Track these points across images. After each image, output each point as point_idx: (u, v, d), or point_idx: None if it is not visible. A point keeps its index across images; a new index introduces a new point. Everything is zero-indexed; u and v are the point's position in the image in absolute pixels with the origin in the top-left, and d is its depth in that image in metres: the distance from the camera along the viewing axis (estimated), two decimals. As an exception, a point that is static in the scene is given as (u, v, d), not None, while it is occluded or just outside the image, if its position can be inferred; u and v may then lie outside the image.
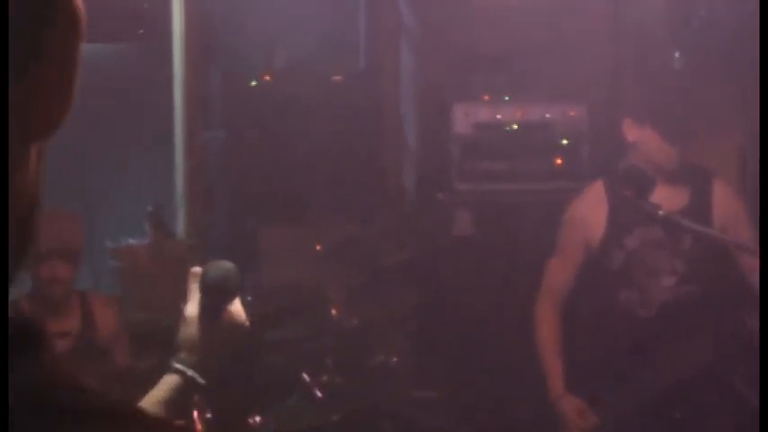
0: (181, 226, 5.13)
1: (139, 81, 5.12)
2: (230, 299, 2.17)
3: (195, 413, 3.40)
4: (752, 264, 3.98)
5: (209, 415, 3.79)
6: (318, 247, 4.96)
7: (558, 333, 4.20)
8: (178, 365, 2.12)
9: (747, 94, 4.80)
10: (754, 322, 3.84)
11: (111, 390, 1.13)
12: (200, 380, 2.11)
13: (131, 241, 4.66)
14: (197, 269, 2.14)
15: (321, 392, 4.35)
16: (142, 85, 5.13)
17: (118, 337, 4.26)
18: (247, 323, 2.18)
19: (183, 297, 2.23)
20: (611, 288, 4.16)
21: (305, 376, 4.38)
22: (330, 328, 4.52)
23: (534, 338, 4.24)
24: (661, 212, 3.78)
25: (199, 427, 3.38)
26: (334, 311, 4.54)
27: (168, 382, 2.10)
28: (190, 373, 2.10)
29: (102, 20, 4.22)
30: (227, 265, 2.17)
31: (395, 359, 4.57)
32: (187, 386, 2.10)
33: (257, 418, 4.30)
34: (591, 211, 4.20)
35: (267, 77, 5.26)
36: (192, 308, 2.16)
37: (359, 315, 4.55)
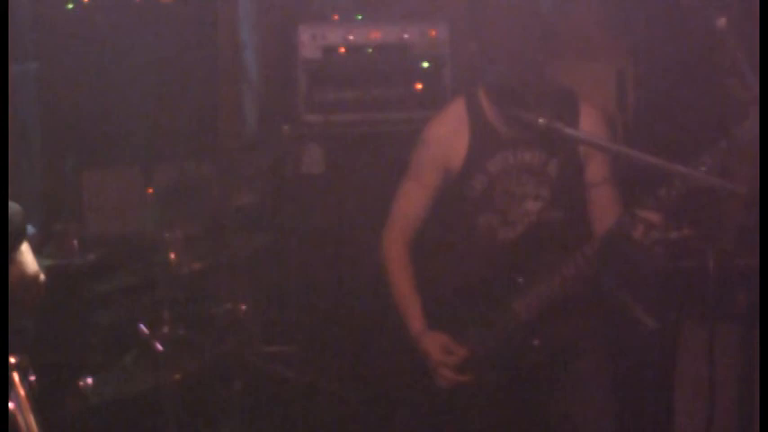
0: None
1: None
2: (15, 244, 2.04)
3: (16, 375, 3.22)
4: (596, 198, 4.07)
5: (32, 377, 3.61)
6: (150, 190, 4.80)
7: (411, 264, 4.18)
8: None
9: (628, 16, 4.85)
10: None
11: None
12: None
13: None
14: None
15: (162, 346, 4.20)
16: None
17: None
18: (42, 275, 2.02)
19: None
20: (471, 213, 4.16)
21: (143, 328, 4.22)
22: (168, 276, 4.36)
23: (386, 272, 4.20)
24: (541, 120, 3.73)
25: (22, 391, 3.20)
26: (172, 257, 4.36)
27: None
28: None
29: None
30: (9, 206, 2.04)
31: (243, 307, 4.45)
32: None
33: (89, 380, 4.15)
34: (450, 131, 4.15)
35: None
36: None
37: (200, 260, 4.39)
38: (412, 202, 4.18)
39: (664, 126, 4.58)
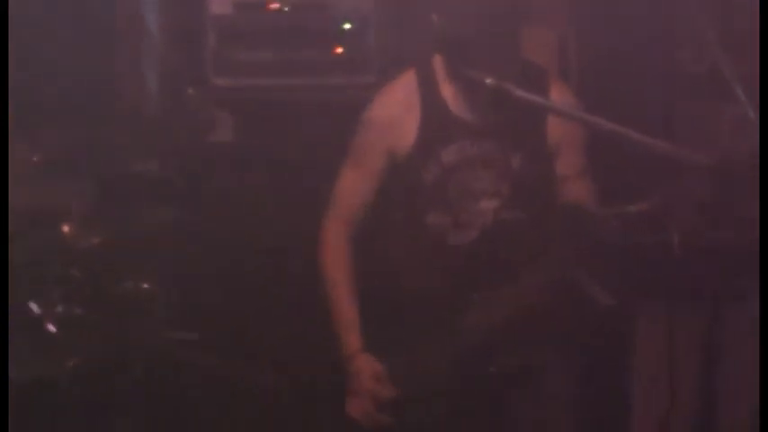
0: None
1: None
2: None
3: None
4: (570, 193, 3.93)
5: None
6: (35, 158, 4.56)
7: (352, 265, 3.99)
8: None
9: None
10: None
11: None
12: None
13: None
14: None
15: (55, 328, 4.01)
16: None
17: None
18: None
19: None
20: (419, 209, 3.95)
21: (33, 307, 3.99)
22: (62, 251, 4.17)
23: (322, 271, 4.00)
24: (489, 81, 3.56)
25: None
26: (66, 230, 4.15)
27: None
28: None
29: None
30: None
31: (146, 285, 4.26)
32: None
33: (-30, 366, 3.91)
34: (399, 111, 3.93)
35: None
36: None
37: (98, 234, 4.20)
38: (354, 189, 3.98)
39: (609, 97, 4.49)
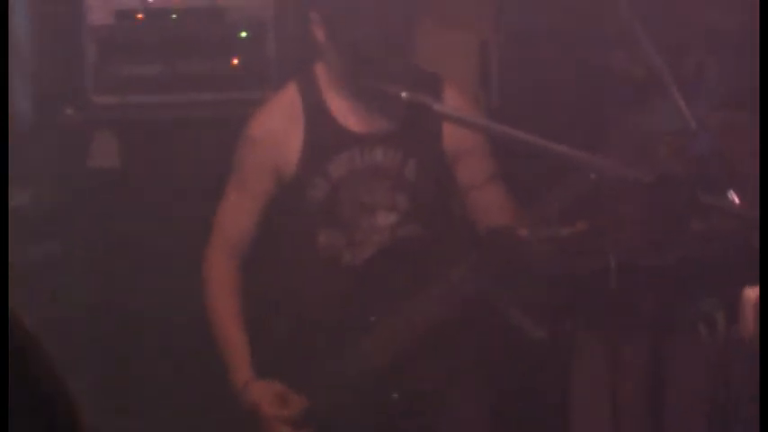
0: None
1: None
2: None
3: None
4: (480, 201, 3.88)
5: None
6: None
7: (238, 292, 3.90)
8: None
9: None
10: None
11: None
12: None
13: None
14: None
15: None
16: None
17: None
18: None
19: None
20: (309, 229, 3.89)
21: None
22: None
23: (206, 301, 3.91)
24: (404, 94, 3.53)
25: None
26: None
27: None
28: None
29: None
30: None
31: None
32: None
33: None
34: (281, 126, 3.91)
35: None
36: None
37: None
38: (239, 214, 3.91)
39: (533, 107, 4.39)
